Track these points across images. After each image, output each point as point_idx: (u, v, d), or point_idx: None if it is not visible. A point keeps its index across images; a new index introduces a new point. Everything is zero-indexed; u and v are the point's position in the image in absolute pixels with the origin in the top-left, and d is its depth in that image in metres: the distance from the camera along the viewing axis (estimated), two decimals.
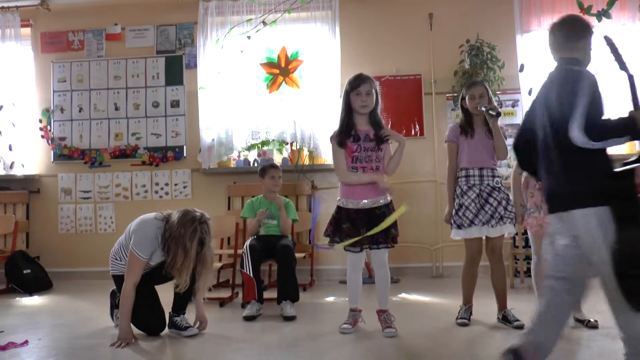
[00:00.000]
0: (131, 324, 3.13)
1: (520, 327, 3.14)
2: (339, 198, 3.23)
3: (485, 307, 3.45)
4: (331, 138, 3.24)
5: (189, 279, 3.07)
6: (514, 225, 3.27)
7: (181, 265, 3.01)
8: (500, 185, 3.27)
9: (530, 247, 4.65)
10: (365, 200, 3.12)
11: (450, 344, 2.96)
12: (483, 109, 3.18)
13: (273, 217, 4.24)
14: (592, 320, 3.15)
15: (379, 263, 3.19)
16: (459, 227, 3.25)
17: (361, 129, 3.19)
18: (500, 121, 3.28)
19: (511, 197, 3.29)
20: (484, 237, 3.29)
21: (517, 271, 4.69)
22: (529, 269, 4.84)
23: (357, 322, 3.26)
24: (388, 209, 3.14)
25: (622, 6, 5.09)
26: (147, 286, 3.22)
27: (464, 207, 3.23)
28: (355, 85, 3.15)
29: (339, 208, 3.21)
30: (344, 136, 3.17)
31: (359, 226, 3.09)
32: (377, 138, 3.17)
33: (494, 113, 3.15)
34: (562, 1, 5.21)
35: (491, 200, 3.21)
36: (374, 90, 3.17)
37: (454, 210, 3.29)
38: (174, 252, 3.02)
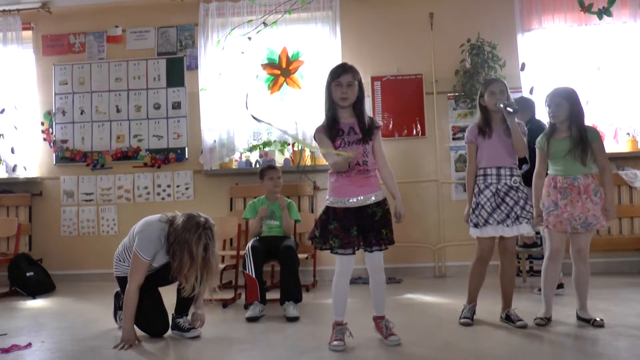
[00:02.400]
0: (134, 326, 3.14)
1: (524, 327, 3.14)
2: (327, 197, 2.97)
3: (488, 307, 3.45)
4: (317, 131, 2.99)
5: (198, 284, 3.06)
6: (531, 225, 3.23)
7: (188, 272, 3.00)
8: (518, 184, 3.23)
9: (531, 246, 4.67)
10: (353, 199, 2.89)
11: (454, 344, 2.95)
12: (501, 105, 3.16)
13: (275, 218, 4.24)
14: (598, 319, 3.14)
15: (374, 267, 2.99)
16: (475, 225, 3.24)
17: (345, 121, 2.95)
18: None
19: (530, 197, 3.26)
20: (498, 237, 3.26)
21: (519, 270, 4.68)
22: (531, 268, 4.84)
23: (345, 338, 2.93)
24: (379, 207, 2.92)
25: (623, 4, 5.09)
26: (150, 288, 3.23)
27: (480, 205, 3.22)
28: (336, 75, 2.91)
29: (327, 208, 2.95)
30: (333, 132, 2.93)
31: (348, 226, 2.87)
32: (364, 131, 2.93)
33: (511, 110, 3.13)
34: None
35: (507, 199, 3.18)
36: (356, 82, 2.92)
37: (471, 209, 3.28)
38: (179, 258, 3.00)
